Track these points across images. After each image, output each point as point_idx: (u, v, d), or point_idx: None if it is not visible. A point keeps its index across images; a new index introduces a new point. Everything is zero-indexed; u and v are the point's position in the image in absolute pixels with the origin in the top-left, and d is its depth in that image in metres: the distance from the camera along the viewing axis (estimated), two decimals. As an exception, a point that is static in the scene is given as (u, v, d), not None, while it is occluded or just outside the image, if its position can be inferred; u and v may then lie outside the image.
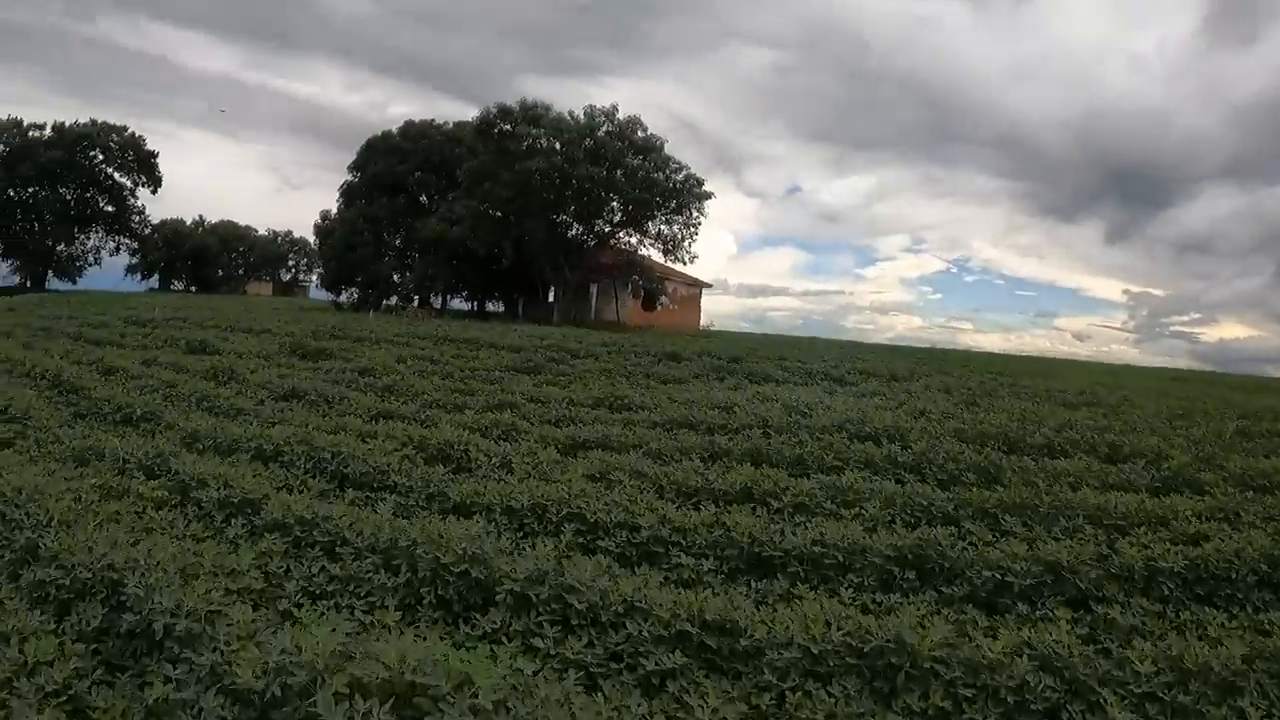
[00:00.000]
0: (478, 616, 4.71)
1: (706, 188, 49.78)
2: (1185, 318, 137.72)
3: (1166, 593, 6.17)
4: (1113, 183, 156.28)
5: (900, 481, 8.58)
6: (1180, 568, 6.26)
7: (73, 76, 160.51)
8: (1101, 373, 38.27)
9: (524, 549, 5.66)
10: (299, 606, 5.02)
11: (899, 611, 5.36)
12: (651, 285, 51.70)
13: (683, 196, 48.78)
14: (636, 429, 10.59)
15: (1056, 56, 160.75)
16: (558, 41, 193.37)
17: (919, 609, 5.43)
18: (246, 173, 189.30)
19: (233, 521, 6.63)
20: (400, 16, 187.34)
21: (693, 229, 50.59)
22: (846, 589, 5.72)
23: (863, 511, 7.14)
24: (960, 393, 18.90)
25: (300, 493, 7.33)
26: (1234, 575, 6.29)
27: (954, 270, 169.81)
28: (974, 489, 8.29)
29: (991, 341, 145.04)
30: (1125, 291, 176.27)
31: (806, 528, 6.44)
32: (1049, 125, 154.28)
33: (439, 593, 5.00)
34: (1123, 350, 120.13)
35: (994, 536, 6.93)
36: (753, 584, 5.81)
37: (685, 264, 51.52)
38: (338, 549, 5.65)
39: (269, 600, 5.19)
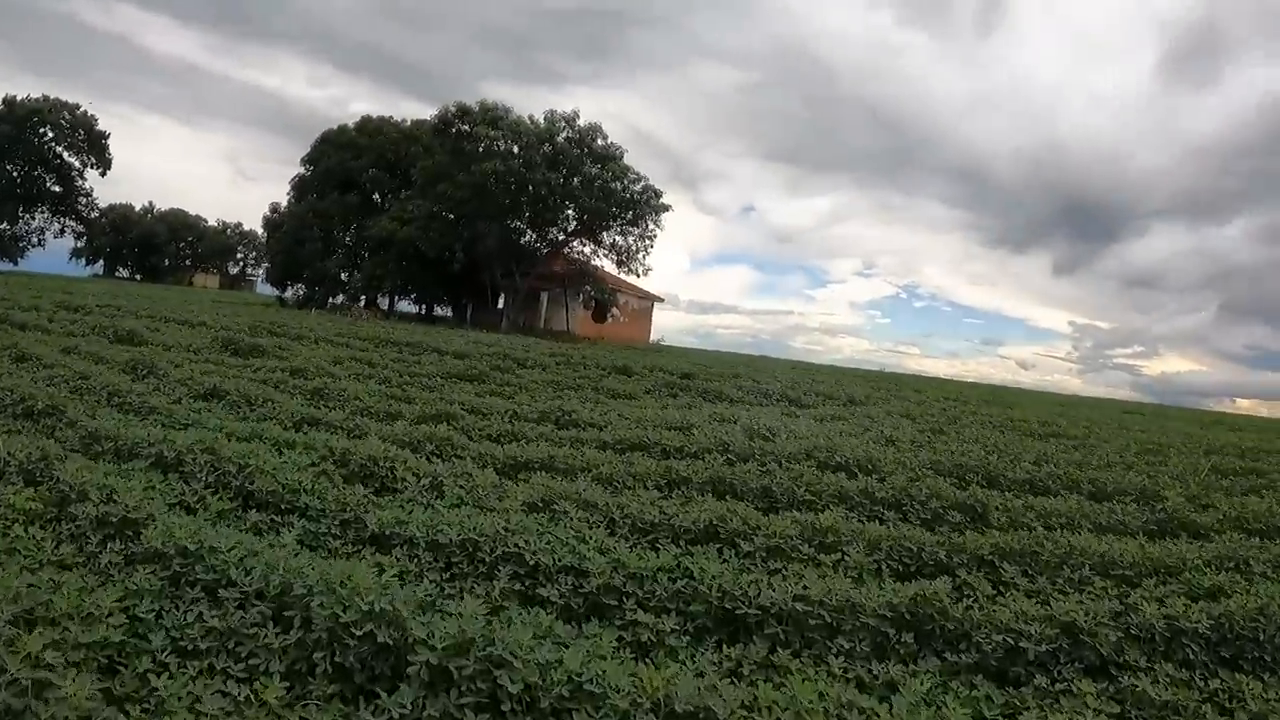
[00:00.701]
0: (383, 695, 3.69)
1: (664, 200, 48.85)
2: (1129, 350, 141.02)
3: (1191, 656, 5.41)
4: (1064, 216, 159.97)
5: (880, 519, 7.71)
6: (1205, 628, 5.49)
7: (31, 51, 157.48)
8: (1054, 403, 38.05)
9: (449, 597, 4.67)
10: (164, 669, 3.98)
11: (901, 686, 4.46)
12: (603, 296, 50.77)
13: (640, 208, 47.86)
14: (585, 449, 9.60)
15: (1017, 90, 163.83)
16: (528, 48, 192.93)
17: (922, 682, 4.52)
18: (202, 161, 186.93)
19: (109, 546, 5.55)
20: (371, 13, 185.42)
21: (648, 241, 49.75)
22: (836, 655, 4.80)
23: (845, 557, 6.22)
24: (923, 420, 18.19)
25: (195, 512, 6.28)
26: (1260, 636, 5.56)
27: (903, 296, 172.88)
28: (963, 531, 7.47)
29: (938, 367, 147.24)
30: (1071, 323, 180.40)
31: (784, 577, 5.50)
32: (1005, 157, 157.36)
33: (337, 659, 3.95)
34: (1066, 380, 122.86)
35: (995, 589, 6.07)
36: (724, 647, 4.84)
37: (639, 276, 50.69)
38: (221, 591, 4.58)
39: (129, 657, 4.14)
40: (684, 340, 61.37)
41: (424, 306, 60.48)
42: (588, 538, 5.84)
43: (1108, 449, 15.96)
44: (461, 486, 6.95)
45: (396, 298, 58.89)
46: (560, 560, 5.35)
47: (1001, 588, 6.15)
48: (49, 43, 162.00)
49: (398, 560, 5.44)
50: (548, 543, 5.56)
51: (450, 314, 59.83)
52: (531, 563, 5.33)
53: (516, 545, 5.44)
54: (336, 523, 6.12)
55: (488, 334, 36.30)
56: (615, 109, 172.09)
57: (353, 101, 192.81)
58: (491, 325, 47.48)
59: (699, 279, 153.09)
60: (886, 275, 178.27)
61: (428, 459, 8.44)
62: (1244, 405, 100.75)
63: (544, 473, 8.16)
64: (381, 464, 7.39)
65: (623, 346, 42.66)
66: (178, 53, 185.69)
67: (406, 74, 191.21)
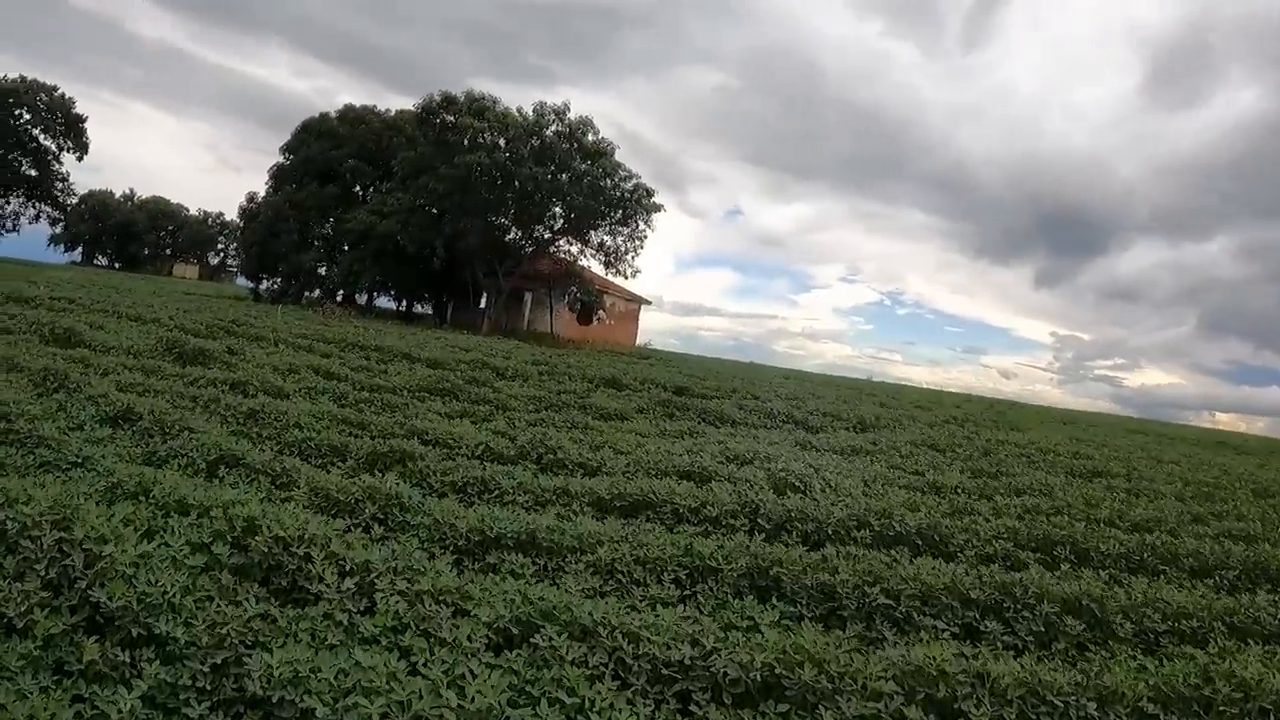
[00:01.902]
0: None
1: (656, 199, 46.66)
2: (1109, 362, 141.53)
3: None
4: (1046, 228, 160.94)
5: (979, 631, 5.69)
6: None
7: (13, 32, 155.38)
8: (1055, 419, 36.09)
9: None
10: None
11: None
12: (590, 298, 48.56)
13: (630, 206, 45.69)
14: (576, 509, 7.55)
15: (1001, 103, 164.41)
16: (516, 46, 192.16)
17: None
18: (185, 149, 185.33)
19: None
20: (356, 6, 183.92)
21: (638, 241, 47.54)
22: None
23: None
24: (953, 451, 16.21)
25: (19, 634, 4.21)
26: None
27: (887, 302, 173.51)
28: (1090, 650, 5.48)
29: (920, 374, 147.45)
30: (1052, 334, 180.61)
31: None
32: (988, 168, 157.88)
33: None
34: (1046, 390, 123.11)
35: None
36: None
37: (627, 278, 48.47)
38: None
39: None
40: (667, 343, 59.45)
41: (404, 304, 58.14)
42: (591, 704, 3.78)
43: (1158, 489, 14.17)
44: (402, 593, 4.83)
45: (375, 294, 56.60)
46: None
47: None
48: (32, 24, 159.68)
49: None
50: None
51: (431, 312, 57.54)
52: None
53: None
54: (205, 667, 4.00)
55: (467, 336, 34.14)
56: (601, 109, 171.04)
57: (338, 94, 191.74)
58: (472, 325, 45.29)
59: (682, 281, 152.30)
60: (870, 282, 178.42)
61: (366, 529, 6.35)
62: (1223, 420, 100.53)
63: (520, 555, 6.07)
64: (295, 548, 5.26)
65: (609, 351, 40.60)
66: (163, 38, 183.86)
67: (391, 68, 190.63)
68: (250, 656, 3.98)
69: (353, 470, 8.29)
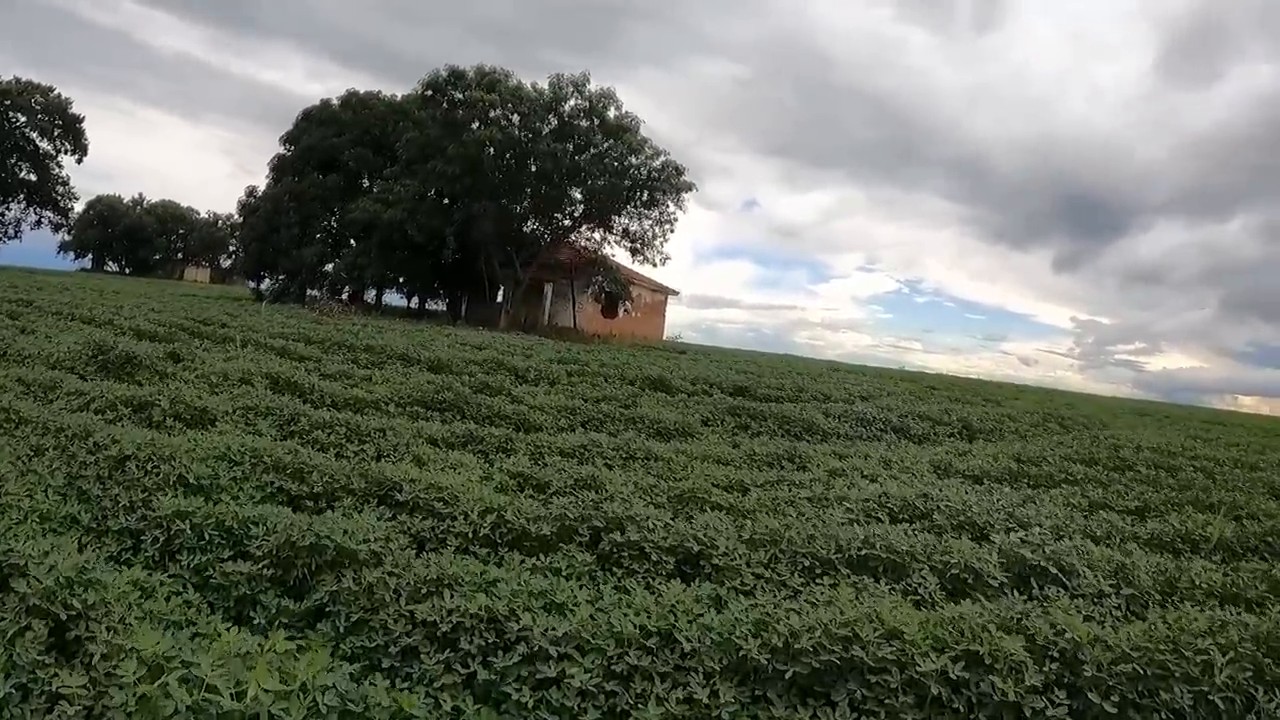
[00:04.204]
0: None
1: (687, 178, 42.42)
2: (1130, 346, 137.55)
3: None
4: (1064, 211, 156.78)
5: None
6: None
7: (27, 46, 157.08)
8: (1129, 411, 31.74)
9: None
10: None
11: None
12: (617, 288, 44.37)
13: (659, 186, 41.50)
14: (703, 683, 3.55)
15: (1015, 85, 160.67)
16: (524, 41, 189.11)
17: None
18: (201, 155, 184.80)
19: None
20: (367, 8, 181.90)
21: (667, 225, 43.34)
22: None
23: None
24: (1125, 473, 12.06)
25: None
26: None
27: (906, 290, 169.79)
28: None
29: (940, 362, 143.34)
30: (1073, 319, 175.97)
31: None
32: (1005, 151, 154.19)
33: None
34: (1067, 376, 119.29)
35: None
36: None
37: (656, 265, 44.27)
38: None
39: None
40: (687, 336, 54.80)
41: (415, 300, 54.06)
42: None
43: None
44: None
45: (383, 290, 52.54)
46: None
47: None
48: (46, 37, 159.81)
49: None
50: None
51: (445, 309, 53.51)
52: None
53: None
54: None
55: (482, 333, 30.13)
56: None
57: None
58: (490, 321, 41.24)
59: (700, 273, 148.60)
60: (889, 270, 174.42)
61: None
62: (1246, 403, 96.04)
63: None
64: None
65: (639, 345, 36.58)
66: (177, 47, 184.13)
67: (404, 67, 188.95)
68: None
69: (227, 603, 4.34)
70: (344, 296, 49.09)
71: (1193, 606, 4.89)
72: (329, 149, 49.60)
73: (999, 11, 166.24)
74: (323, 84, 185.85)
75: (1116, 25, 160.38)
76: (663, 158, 41.71)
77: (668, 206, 42.67)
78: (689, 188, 42.35)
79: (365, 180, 50.16)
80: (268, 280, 53.42)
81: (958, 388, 31.41)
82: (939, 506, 7.49)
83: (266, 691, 2.96)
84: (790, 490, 8.44)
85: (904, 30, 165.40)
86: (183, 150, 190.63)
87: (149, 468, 6.14)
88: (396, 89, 50.70)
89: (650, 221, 43.22)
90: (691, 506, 6.95)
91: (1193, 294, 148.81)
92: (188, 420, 8.69)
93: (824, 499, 7.53)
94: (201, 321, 21.09)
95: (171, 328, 18.82)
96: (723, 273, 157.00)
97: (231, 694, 2.96)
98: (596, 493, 6.68)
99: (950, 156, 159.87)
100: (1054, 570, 5.31)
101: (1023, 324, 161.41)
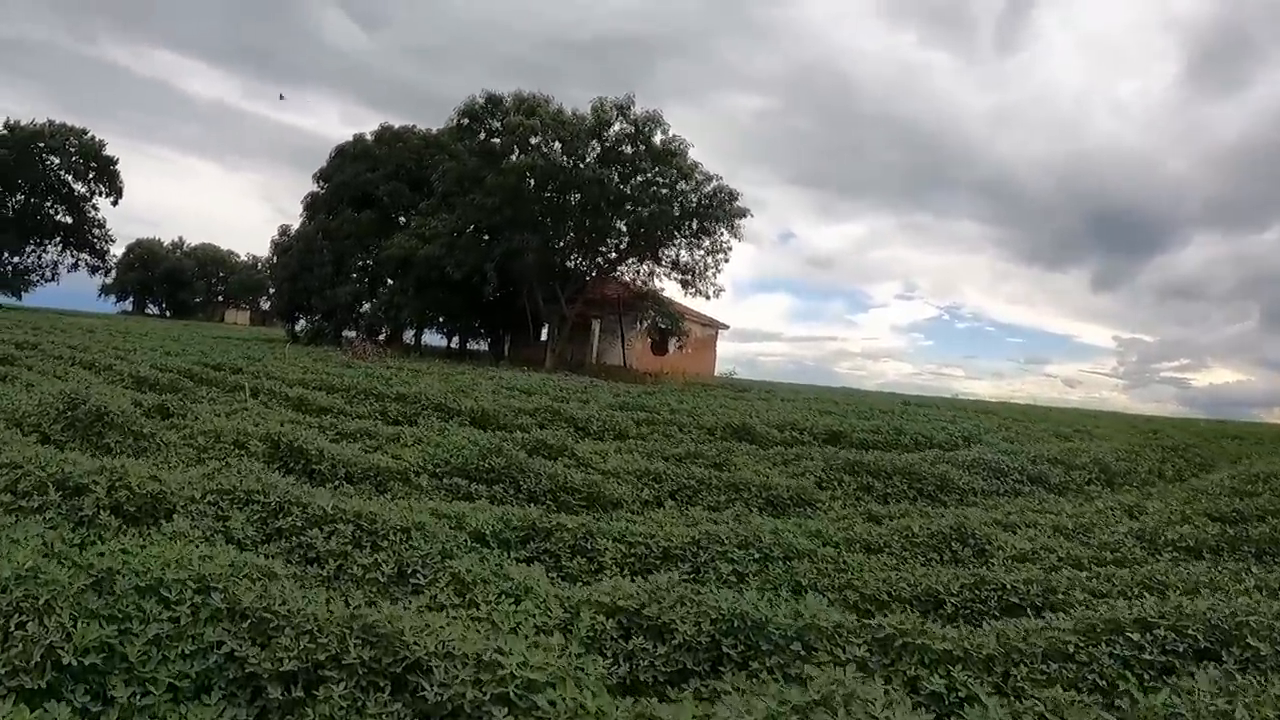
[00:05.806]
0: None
1: (741, 203, 39.72)
2: (1174, 363, 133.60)
3: None
4: (1097, 229, 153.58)
5: None
6: None
7: (71, 95, 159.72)
8: (1227, 435, 28.53)
9: None
10: None
11: None
12: (669, 324, 41.59)
13: (712, 212, 38.83)
14: None
15: (1041, 105, 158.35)
16: (555, 80, 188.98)
17: None
18: (240, 200, 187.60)
19: None
20: (397, 51, 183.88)
21: (720, 255, 40.58)
22: None
23: None
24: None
25: None
26: None
27: (945, 317, 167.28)
28: None
29: (984, 388, 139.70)
30: (1115, 338, 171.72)
31: None
32: (1034, 171, 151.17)
33: None
34: (1113, 396, 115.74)
35: None
36: None
37: (709, 298, 41.47)
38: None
39: None
40: (728, 370, 51.80)
41: (455, 340, 51.64)
42: None
43: None
44: None
45: (423, 330, 50.16)
46: None
47: None
48: (86, 87, 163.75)
49: None
50: None
51: (486, 348, 51.00)
52: None
53: None
54: None
55: (528, 374, 27.59)
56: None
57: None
58: (535, 361, 38.68)
59: (740, 307, 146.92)
60: (927, 297, 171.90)
61: None
62: None
63: None
64: None
65: (694, 383, 33.86)
66: (214, 95, 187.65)
67: (434, 109, 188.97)
68: None
69: None
70: (381, 337, 46.76)
71: None
72: (363, 184, 47.57)
73: (1021, 32, 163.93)
74: (357, 127, 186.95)
75: (1138, 40, 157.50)
76: (714, 183, 39.06)
77: (720, 235, 40.01)
78: (743, 214, 39.66)
79: (401, 216, 47.93)
80: (303, 321, 51.31)
81: (1029, 418, 28.44)
82: (1248, 623, 4.73)
83: None
84: (997, 597, 5.74)
85: (927, 55, 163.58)
86: (222, 194, 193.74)
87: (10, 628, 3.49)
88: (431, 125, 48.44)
89: (702, 251, 40.57)
90: (902, 662, 4.23)
91: (1233, 306, 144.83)
92: (130, 514, 6.08)
93: (1061, 636, 4.70)
94: (214, 366, 18.66)
95: (178, 374, 16.39)
96: (762, 306, 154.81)
97: None
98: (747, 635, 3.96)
99: (980, 179, 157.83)
100: None
101: (1063, 345, 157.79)
